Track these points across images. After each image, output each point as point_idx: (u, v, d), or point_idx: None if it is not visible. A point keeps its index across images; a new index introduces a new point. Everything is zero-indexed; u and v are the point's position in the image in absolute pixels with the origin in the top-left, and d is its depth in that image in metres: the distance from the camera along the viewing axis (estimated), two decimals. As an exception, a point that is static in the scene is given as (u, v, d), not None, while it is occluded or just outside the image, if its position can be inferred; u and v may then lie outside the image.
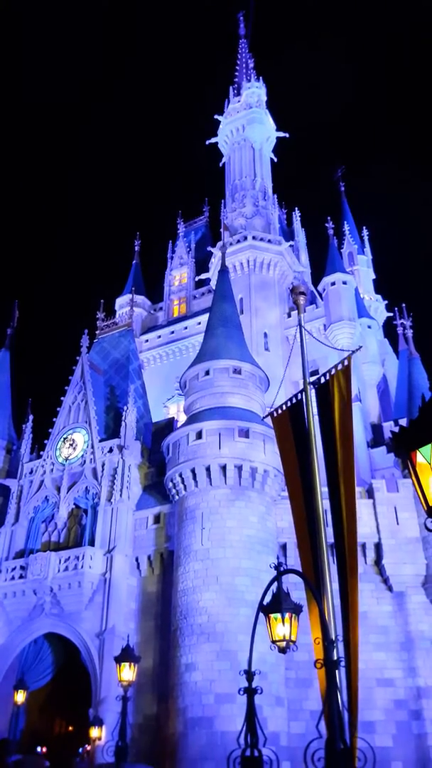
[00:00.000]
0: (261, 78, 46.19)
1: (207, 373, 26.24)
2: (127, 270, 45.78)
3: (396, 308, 36.79)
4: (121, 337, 33.73)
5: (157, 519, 25.73)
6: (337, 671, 7.30)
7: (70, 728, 32.60)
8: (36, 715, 28.06)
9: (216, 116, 44.81)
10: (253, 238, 37.40)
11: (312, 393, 10.38)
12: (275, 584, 8.18)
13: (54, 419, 29.59)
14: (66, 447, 28.48)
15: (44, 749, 27.65)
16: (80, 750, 28.96)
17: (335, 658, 7.35)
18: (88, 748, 22.95)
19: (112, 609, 23.75)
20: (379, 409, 35.72)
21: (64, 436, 28.89)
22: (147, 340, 40.27)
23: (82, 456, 27.71)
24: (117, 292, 43.83)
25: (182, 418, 30.30)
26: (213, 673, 20.56)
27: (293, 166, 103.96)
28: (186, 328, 39.39)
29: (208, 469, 23.69)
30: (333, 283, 34.92)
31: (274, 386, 26.95)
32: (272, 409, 11.07)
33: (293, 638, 8.03)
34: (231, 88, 46.21)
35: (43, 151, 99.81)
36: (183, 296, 42.21)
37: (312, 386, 10.40)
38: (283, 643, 8.00)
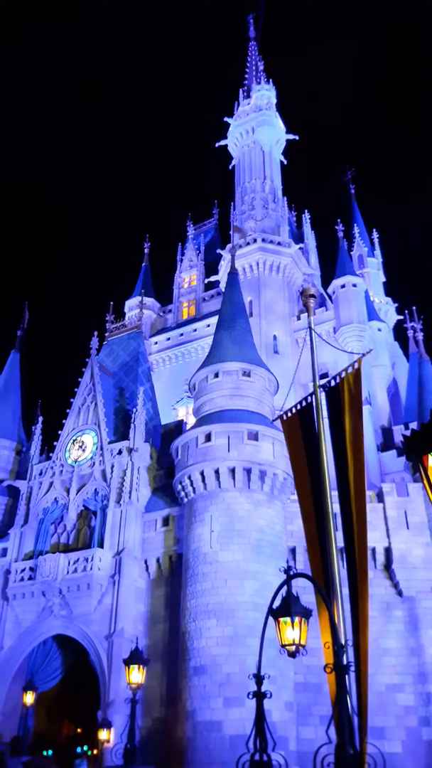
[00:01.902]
0: (271, 80, 46.27)
1: (216, 375, 26.20)
2: (136, 272, 45.96)
3: (406, 311, 36.78)
4: (131, 340, 33.79)
5: (166, 521, 25.71)
6: (346, 676, 7.26)
7: (79, 730, 32.63)
8: (44, 717, 28.12)
9: (226, 119, 44.89)
10: (263, 240, 37.39)
11: (322, 396, 10.35)
12: (285, 588, 8.14)
13: (63, 421, 29.66)
14: (75, 449, 28.53)
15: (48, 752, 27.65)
16: (79, 751, 28.92)
17: (345, 662, 7.31)
18: (95, 752, 22.92)
19: (120, 611, 23.73)
20: (389, 412, 35.62)
21: (74, 437, 28.94)
22: (156, 343, 40.32)
23: (92, 458, 27.74)
24: (126, 295, 44.02)
25: (191, 420, 30.29)
26: (222, 677, 20.49)
27: (303, 169, 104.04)
28: (195, 330, 39.42)
29: (217, 471, 23.65)
30: (343, 286, 34.88)
31: (284, 389, 26.90)
32: (282, 412, 11.04)
33: (303, 642, 8.00)
34: (241, 90, 46.26)
35: (52, 153, 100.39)
36: (192, 298, 42.25)
37: (322, 389, 10.36)
38: (293, 647, 7.97)
